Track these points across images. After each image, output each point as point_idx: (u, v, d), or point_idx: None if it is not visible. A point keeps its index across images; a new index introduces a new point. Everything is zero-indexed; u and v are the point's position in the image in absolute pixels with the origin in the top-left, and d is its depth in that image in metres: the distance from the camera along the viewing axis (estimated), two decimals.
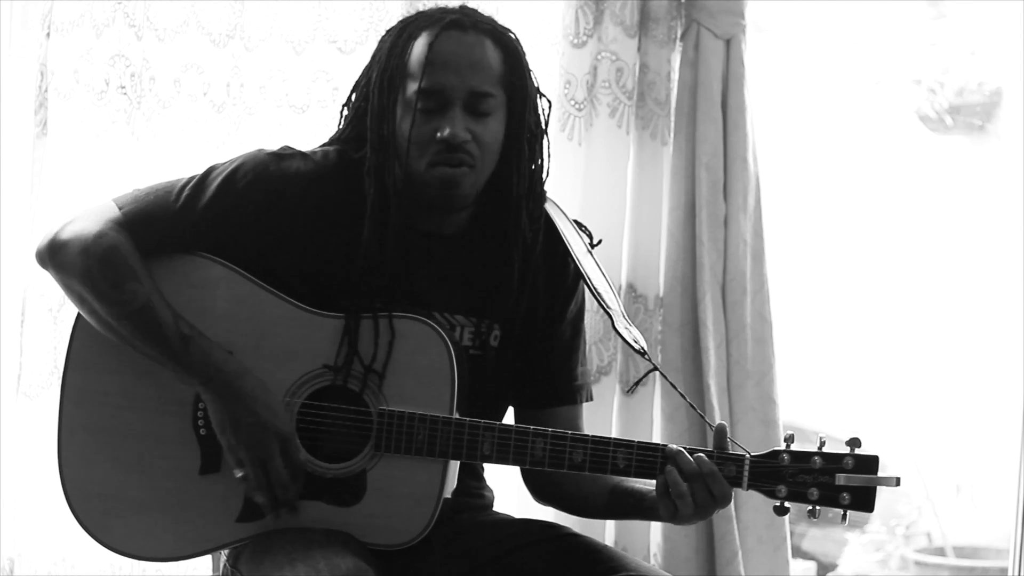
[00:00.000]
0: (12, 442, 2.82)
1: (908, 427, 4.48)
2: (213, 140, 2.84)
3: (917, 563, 4.54)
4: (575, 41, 2.92)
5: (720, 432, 2.14)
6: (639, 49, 2.95)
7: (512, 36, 2.24)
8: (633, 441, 2.14)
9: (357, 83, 2.29)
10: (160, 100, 2.83)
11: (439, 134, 2.15)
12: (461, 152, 2.16)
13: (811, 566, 4.49)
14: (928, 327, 4.39)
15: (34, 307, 2.81)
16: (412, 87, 2.17)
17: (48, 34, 2.79)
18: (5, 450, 2.83)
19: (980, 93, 4.45)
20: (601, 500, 2.26)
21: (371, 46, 2.82)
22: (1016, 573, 3.11)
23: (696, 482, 2.10)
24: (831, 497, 2.09)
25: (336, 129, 2.33)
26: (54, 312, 2.79)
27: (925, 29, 4.38)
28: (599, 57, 2.93)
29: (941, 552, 4.56)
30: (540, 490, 2.35)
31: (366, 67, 2.27)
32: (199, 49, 2.83)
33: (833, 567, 4.58)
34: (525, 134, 2.23)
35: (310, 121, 2.86)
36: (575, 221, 2.34)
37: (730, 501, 2.13)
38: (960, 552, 4.54)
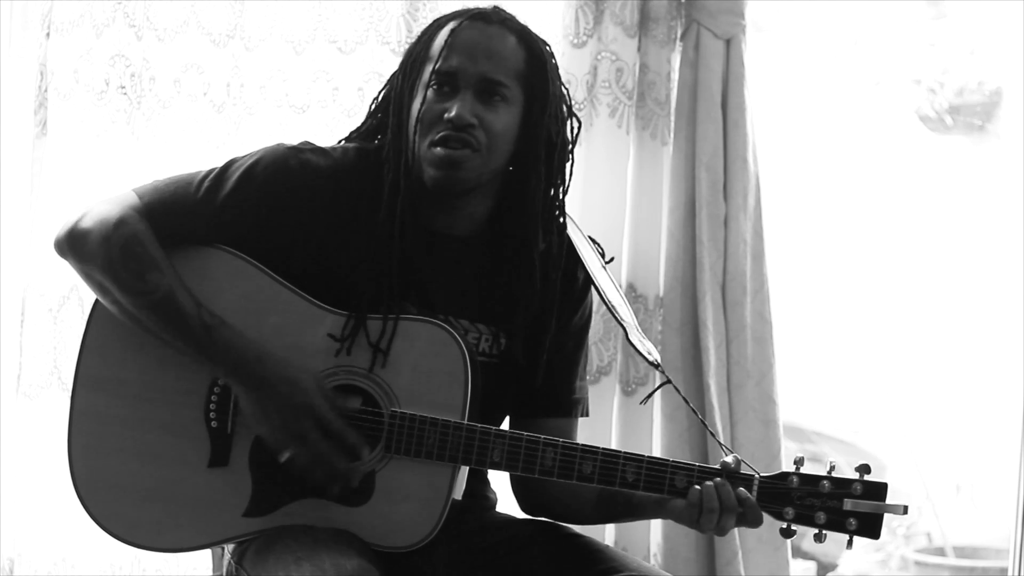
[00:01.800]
0: (12, 442, 2.82)
1: (908, 427, 4.48)
2: (213, 140, 2.85)
3: (917, 563, 4.54)
4: (575, 41, 2.92)
5: (735, 463, 2.13)
6: (639, 49, 2.96)
7: (543, 43, 2.25)
8: (643, 455, 2.13)
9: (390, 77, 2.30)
10: (160, 100, 2.83)
11: (446, 115, 2.16)
12: (465, 134, 2.16)
13: (811, 566, 4.49)
14: (928, 327, 4.39)
15: (34, 307, 2.81)
16: (429, 69, 2.19)
17: (48, 34, 2.79)
18: (5, 450, 2.83)
19: (980, 93, 4.45)
20: (589, 504, 2.25)
21: (371, 46, 2.86)
22: (1016, 573, 3.11)
23: (728, 515, 2.10)
24: (838, 522, 2.09)
25: (362, 122, 2.32)
26: (54, 312, 2.79)
27: (925, 29, 4.38)
28: (599, 57, 2.93)
29: (941, 552, 4.56)
30: (527, 499, 2.34)
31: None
32: (199, 49, 2.84)
33: (833, 567, 4.57)
34: (543, 139, 2.23)
35: (310, 121, 2.86)
36: (589, 237, 2.34)
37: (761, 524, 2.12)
38: (960, 552, 4.54)
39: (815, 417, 4.37)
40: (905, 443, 4.47)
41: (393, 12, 2.85)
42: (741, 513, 2.10)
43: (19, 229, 2.86)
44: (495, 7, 2.26)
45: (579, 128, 2.28)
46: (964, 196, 4.37)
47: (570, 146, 2.27)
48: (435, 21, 2.25)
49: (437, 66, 2.17)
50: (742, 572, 2.93)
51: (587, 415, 2.36)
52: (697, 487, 2.10)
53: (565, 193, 2.28)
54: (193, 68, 2.84)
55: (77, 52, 2.79)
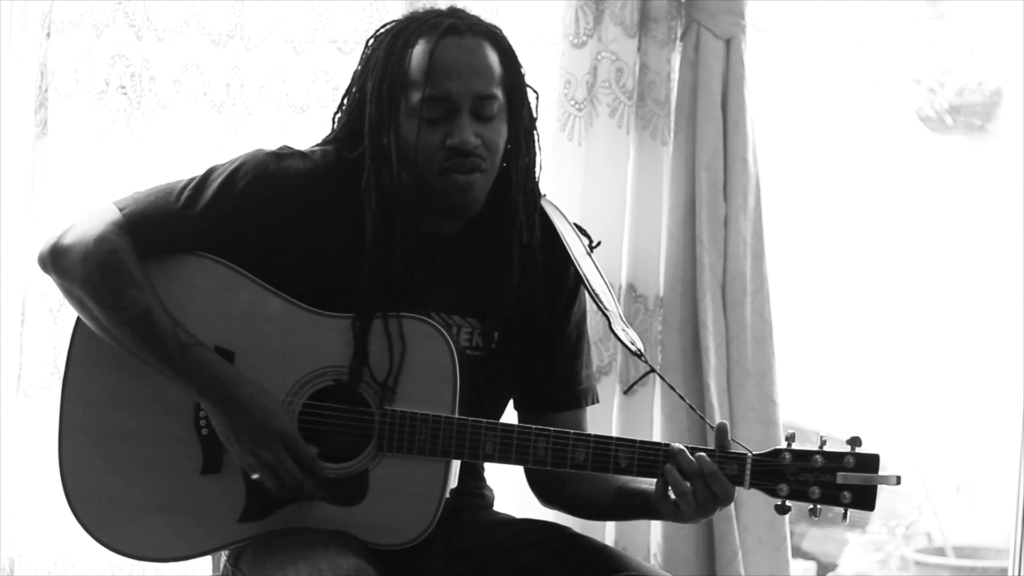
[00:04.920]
0: (12, 442, 2.82)
1: (908, 427, 4.48)
2: (213, 140, 2.85)
3: (917, 563, 4.54)
4: (575, 41, 2.92)
5: (721, 431, 2.14)
6: (639, 49, 2.95)
7: (503, 34, 2.24)
8: (635, 440, 2.14)
9: (349, 89, 2.27)
10: (160, 100, 2.83)
11: (449, 141, 2.15)
12: (473, 157, 2.15)
13: (811, 566, 4.50)
14: (928, 327, 4.39)
15: (34, 307, 2.81)
16: (416, 96, 2.16)
17: (48, 34, 2.79)
18: (5, 450, 2.83)
19: (980, 93, 4.45)
20: (607, 501, 2.26)
21: None
22: (1016, 573, 3.11)
23: (697, 481, 2.10)
24: (832, 496, 2.10)
25: (331, 130, 2.32)
26: (54, 312, 2.79)
27: (925, 29, 4.38)
28: (599, 57, 2.93)
29: (941, 552, 4.56)
30: (546, 492, 2.35)
31: (357, 73, 2.25)
32: (199, 49, 2.84)
33: (833, 567, 4.58)
34: (523, 131, 2.23)
35: (310, 121, 2.86)
36: (575, 224, 2.34)
37: (732, 500, 2.13)
38: (960, 552, 4.54)
39: (815, 417, 4.37)
40: (905, 443, 4.47)
41: (393, 12, 2.84)
42: (710, 475, 2.09)
43: (19, 229, 2.86)
44: (452, 9, 2.23)
45: (538, 98, 2.27)
46: (964, 196, 4.37)
47: (536, 120, 2.27)
48: (397, 38, 2.19)
49: (427, 93, 2.14)
50: (742, 572, 2.92)
51: (597, 402, 2.37)
52: (661, 476, 2.11)
53: (541, 169, 2.28)
54: (193, 68, 2.84)
55: (77, 52, 2.79)
